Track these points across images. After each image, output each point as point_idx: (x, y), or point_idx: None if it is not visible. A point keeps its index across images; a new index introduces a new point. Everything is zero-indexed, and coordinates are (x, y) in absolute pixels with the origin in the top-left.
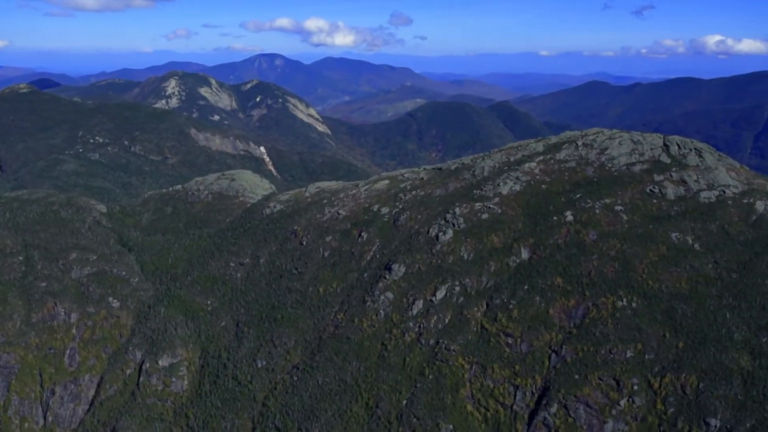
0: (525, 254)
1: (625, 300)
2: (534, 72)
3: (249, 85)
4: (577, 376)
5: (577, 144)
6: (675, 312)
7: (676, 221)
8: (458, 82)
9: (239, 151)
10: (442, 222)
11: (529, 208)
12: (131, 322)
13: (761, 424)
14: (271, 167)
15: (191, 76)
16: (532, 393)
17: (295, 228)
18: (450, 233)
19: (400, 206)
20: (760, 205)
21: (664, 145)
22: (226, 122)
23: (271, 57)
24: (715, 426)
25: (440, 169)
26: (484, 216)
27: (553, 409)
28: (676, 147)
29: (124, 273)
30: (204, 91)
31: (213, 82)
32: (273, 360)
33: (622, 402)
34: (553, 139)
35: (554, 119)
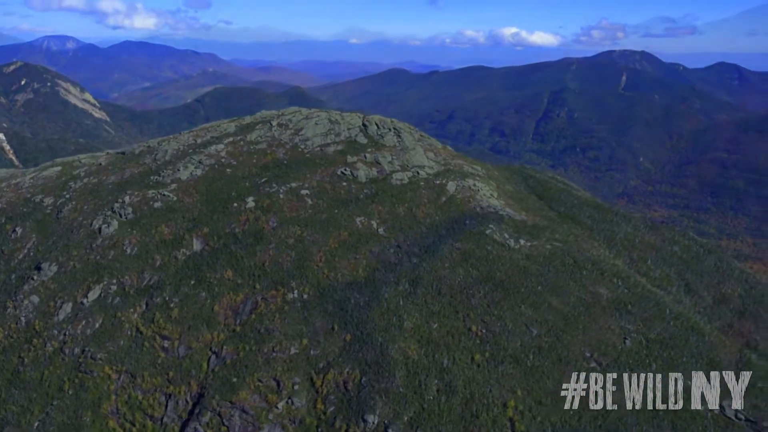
0: (197, 245)
1: (296, 291)
2: (345, 60)
3: (12, 67)
4: (235, 379)
5: (271, 124)
6: (348, 302)
7: (364, 205)
8: (266, 69)
9: None
10: (109, 213)
11: (209, 194)
12: None
13: (419, 416)
14: (11, 156)
15: None
16: (186, 402)
17: None
18: (115, 225)
19: (68, 196)
20: (451, 186)
21: (363, 125)
22: None
23: (62, 39)
24: (373, 422)
25: (123, 153)
26: (157, 204)
27: (206, 418)
28: (375, 127)
29: None
30: None
31: None
32: None
33: (281, 404)
34: (248, 119)
35: (351, 106)
